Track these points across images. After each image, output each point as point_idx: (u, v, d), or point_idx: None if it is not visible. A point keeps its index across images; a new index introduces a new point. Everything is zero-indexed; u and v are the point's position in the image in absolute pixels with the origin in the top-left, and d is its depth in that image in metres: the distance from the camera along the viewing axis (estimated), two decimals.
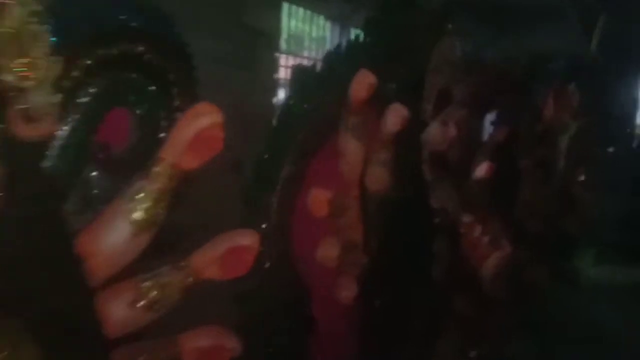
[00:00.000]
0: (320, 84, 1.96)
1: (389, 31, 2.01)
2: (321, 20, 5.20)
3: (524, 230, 2.81)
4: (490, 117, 2.89)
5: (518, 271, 2.73)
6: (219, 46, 3.00)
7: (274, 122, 1.93)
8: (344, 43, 2.01)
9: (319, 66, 2.00)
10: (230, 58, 3.09)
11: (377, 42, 2.00)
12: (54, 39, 0.88)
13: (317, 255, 1.84)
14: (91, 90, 1.07)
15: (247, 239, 1.22)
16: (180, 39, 1.22)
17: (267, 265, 1.80)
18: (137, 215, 1.06)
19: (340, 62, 1.97)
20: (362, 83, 1.71)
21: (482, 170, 2.70)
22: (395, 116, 1.74)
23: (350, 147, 1.82)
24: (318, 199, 1.81)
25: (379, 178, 1.84)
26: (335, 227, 1.90)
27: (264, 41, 3.42)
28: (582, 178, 3.58)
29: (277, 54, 4.15)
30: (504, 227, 2.74)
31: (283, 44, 4.63)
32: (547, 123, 3.39)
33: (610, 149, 4.68)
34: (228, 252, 1.19)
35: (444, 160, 2.13)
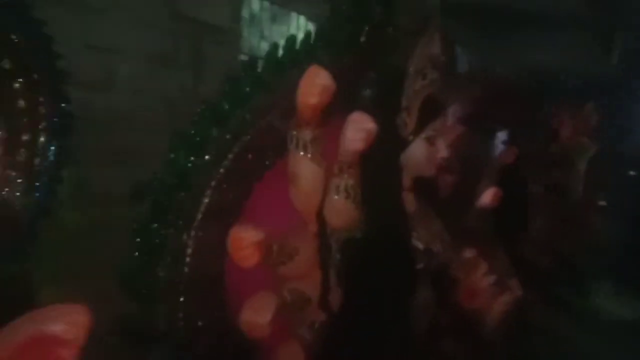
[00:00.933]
0: (266, 88, 1.59)
1: (357, 24, 1.65)
2: (291, 16, 4.40)
3: (534, 265, 2.44)
4: (495, 137, 2.53)
5: (526, 314, 2.36)
6: (151, 41, 2.59)
7: (195, 135, 1.51)
8: (301, 38, 1.64)
9: (264, 66, 1.62)
10: (167, 55, 2.70)
11: (341, 38, 1.63)
12: None
13: (241, 320, 1.44)
14: None
15: (60, 326, 0.75)
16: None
17: (200, 323, 1.43)
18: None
19: (293, 61, 1.59)
20: (312, 85, 1.35)
21: (487, 197, 2.34)
22: (355, 130, 1.36)
23: (304, 171, 1.46)
24: (239, 242, 1.39)
25: (341, 210, 1.48)
26: (273, 278, 1.52)
27: (213, 36, 2.95)
28: (601, 204, 3.20)
29: (231, 52, 3.27)
30: (512, 263, 2.38)
31: (242, 41, 3.64)
32: (563, 144, 3.02)
33: (632, 172, 4.27)
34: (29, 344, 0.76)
35: (431, 188, 1.76)
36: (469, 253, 2.27)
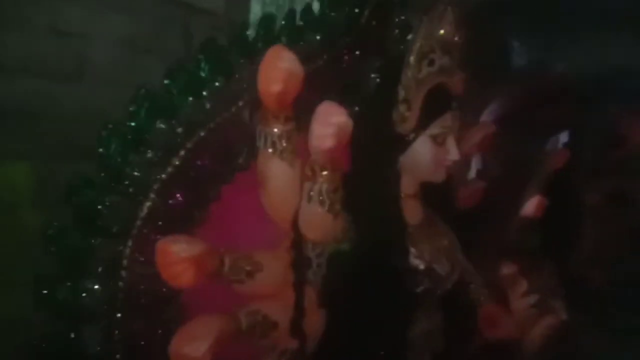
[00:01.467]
0: (229, 72, 1.34)
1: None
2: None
3: (587, 284, 2.15)
4: (544, 140, 2.25)
5: (574, 341, 2.08)
6: (129, 26, 2.17)
7: (133, 127, 1.26)
8: (284, 15, 1.40)
9: (228, 47, 1.37)
10: (149, 42, 2.35)
11: (336, 17, 1.39)
12: None
13: (170, 353, 1.18)
14: None
15: None
16: None
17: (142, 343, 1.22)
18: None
19: (268, 42, 1.34)
20: (274, 69, 1.13)
21: (531, 206, 2.07)
22: (321, 124, 1.11)
23: (273, 172, 1.26)
24: (166, 257, 1.15)
25: (315, 220, 1.24)
26: (236, 297, 1.30)
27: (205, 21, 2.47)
28: None
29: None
30: (557, 283, 2.10)
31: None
32: (629, 149, 2.68)
33: None
34: None
35: (443, 196, 1.51)
36: (507, 269, 2.03)
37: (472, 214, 1.99)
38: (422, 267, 1.38)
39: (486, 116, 2.08)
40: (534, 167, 2.11)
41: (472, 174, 2.13)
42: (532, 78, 2.48)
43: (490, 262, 2.00)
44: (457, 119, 1.37)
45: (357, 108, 1.39)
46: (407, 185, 1.42)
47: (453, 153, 1.37)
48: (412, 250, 1.38)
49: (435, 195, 1.49)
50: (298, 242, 1.27)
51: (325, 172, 1.18)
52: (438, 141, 1.35)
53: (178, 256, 1.11)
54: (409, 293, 1.35)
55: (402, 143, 1.35)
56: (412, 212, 1.44)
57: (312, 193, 1.19)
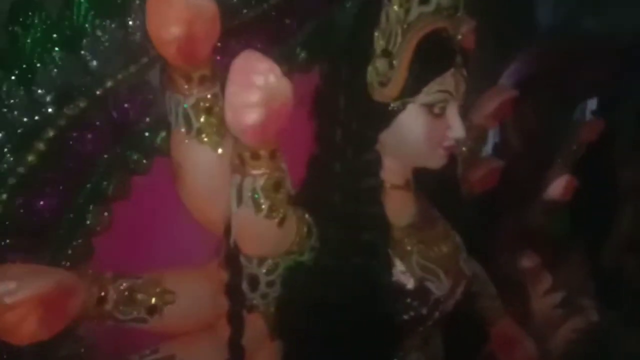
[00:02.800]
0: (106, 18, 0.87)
1: None
2: None
3: (618, 280, 1.84)
4: (573, 108, 1.92)
5: (607, 346, 1.78)
6: None
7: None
8: None
9: None
10: None
11: None
12: None
13: None
14: None
15: None
16: None
17: None
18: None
19: None
20: (167, 4, 0.72)
21: (558, 187, 1.76)
22: (241, 87, 0.73)
23: (191, 159, 0.88)
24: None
25: (255, 232, 0.88)
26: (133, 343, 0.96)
27: None
28: None
29: None
30: (587, 278, 1.80)
31: None
32: None
33: None
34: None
35: (444, 185, 1.17)
36: (528, 261, 1.72)
37: (488, 198, 1.69)
38: (410, 285, 1.03)
39: (505, 79, 1.75)
40: (562, 141, 1.78)
41: (488, 149, 1.81)
42: (562, 35, 2.15)
43: (509, 254, 1.70)
44: (463, 80, 1.01)
45: (317, 65, 1.07)
46: (393, 173, 1.06)
47: (456, 128, 1.00)
48: (398, 262, 1.04)
49: (435, 184, 1.15)
50: (234, 255, 0.91)
51: (258, 162, 0.81)
52: (435, 112, 0.99)
53: (2, 302, 0.72)
54: (393, 321, 1.01)
55: (383, 115, 0.99)
56: (400, 209, 1.08)
57: (243, 193, 0.83)
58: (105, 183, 0.90)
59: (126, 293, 0.88)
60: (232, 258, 0.91)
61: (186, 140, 0.87)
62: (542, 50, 1.86)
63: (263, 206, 0.83)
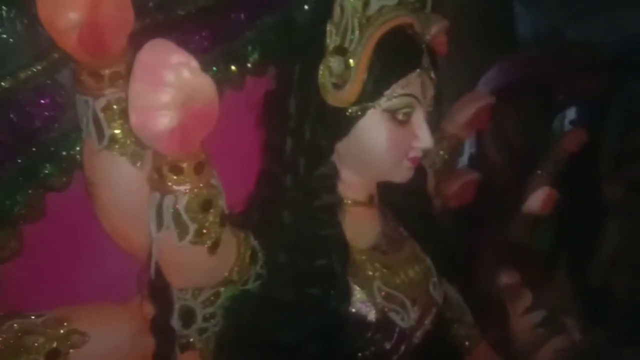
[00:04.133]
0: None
1: None
2: None
3: (604, 298, 1.75)
4: (555, 116, 1.84)
5: None
6: None
7: None
8: None
9: None
10: None
11: None
12: None
13: None
14: None
15: None
16: None
17: None
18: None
19: None
20: None
21: (537, 200, 1.68)
22: (147, 83, 0.60)
23: (107, 176, 0.76)
24: None
25: (180, 260, 0.75)
26: None
27: None
28: None
29: None
30: (570, 296, 1.71)
31: None
32: None
33: None
34: None
35: (412, 200, 1.05)
36: (507, 278, 1.63)
37: (465, 212, 1.60)
38: (372, 317, 0.91)
39: (482, 86, 1.67)
40: (542, 152, 1.70)
41: (464, 160, 1.74)
42: (544, 43, 2.08)
43: (487, 271, 1.61)
44: (431, 84, 0.91)
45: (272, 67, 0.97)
46: (353, 188, 0.95)
47: (423, 137, 0.90)
48: (358, 291, 0.91)
49: (403, 200, 1.04)
50: (160, 286, 0.78)
51: (180, 177, 0.68)
52: (398, 118, 0.88)
53: None
54: (352, 357, 0.91)
55: (339, 122, 0.88)
56: (362, 229, 0.96)
57: (163, 213, 0.70)
58: (8, 202, 0.77)
59: (21, 333, 0.76)
60: (158, 289, 0.79)
61: (98, 152, 0.74)
62: (524, 57, 1.78)
63: (189, 229, 0.70)
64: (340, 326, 0.87)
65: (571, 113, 1.98)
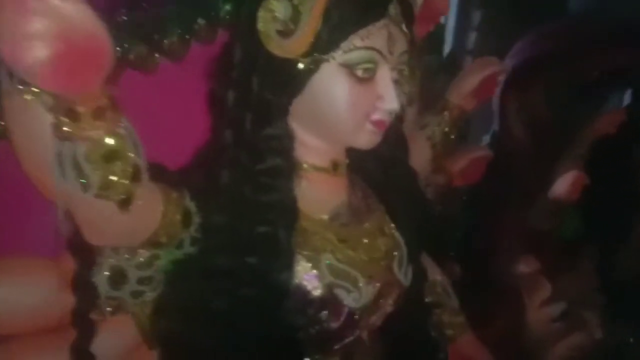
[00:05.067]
0: None
1: None
2: None
3: (629, 292, 1.62)
4: (589, 95, 1.69)
5: None
6: None
7: None
8: None
9: None
10: None
11: None
12: None
13: None
14: None
15: None
16: None
17: None
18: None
19: None
20: None
21: (565, 184, 1.56)
22: (11, 9, 0.51)
23: (25, 123, 0.65)
24: None
25: (91, 216, 0.68)
26: None
27: None
28: None
29: None
30: (595, 288, 1.59)
31: None
32: None
33: None
34: None
35: (387, 166, 0.94)
36: (526, 266, 1.52)
37: (483, 194, 1.49)
38: (316, 292, 0.81)
39: (509, 58, 1.54)
40: (574, 133, 1.57)
41: (487, 139, 1.62)
42: (584, 14, 1.92)
43: (504, 257, 1.50)
44: (402, 38, 0.80)
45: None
46: (313, 152, 0.85)
47: (388, 97, 0.79)
48: (304, 262, 0.81)
49: (379, 170, 0.93)
50: (78, 240, 0.71)
51: (76, 123, 0.60)
52: (357, 75, 0.77)
53: None
54: (294, 336, 0.81)
55: (289, 76, 0.78)
56: (319, 196, 0.86)
57: (63, 162, 0.62)
58: None
59: None
60: (75, 243, 0.72)
61: (10, 95, 0.64)
62: (554, 29, 1.63)
63: (92, 181, 0.63)
64: (279, 298, 0.78)
65: (628, 97, 1.84)
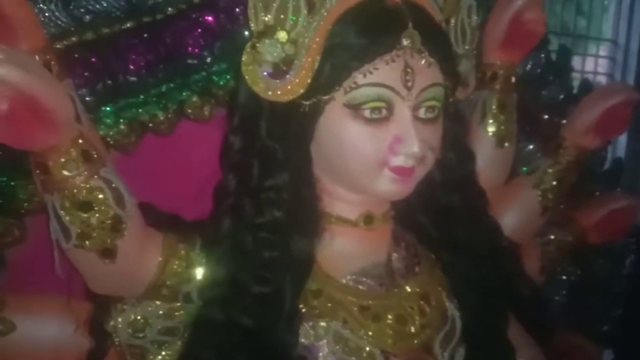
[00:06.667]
0: None
1: None
2: None
3: None
4: None
5: None
6: None
7: None
8: None
9: None
10: None
11: None
12: None
13: None
14: None
15: None
16: None
17: None
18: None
19: None
20: None
21: None
22: None
23: None
24: None
25: (80, 264, 0.72)
26: None
27: None
28: None
29: None
30: None
31: None
32: None
33: None
34: None
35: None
36: None
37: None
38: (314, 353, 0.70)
39: None
40: None
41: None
42: None
43: None
44: (426, 70, 0.68)
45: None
46: (339, 202, 0.76)
47: (408, 140, 0.67)
48: (307, 328, 0.71)
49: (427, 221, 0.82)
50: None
51: (47, 175, 0.66)
52: (364, 115, 0.68)
53: None
54: None
55: (294, 121, 0.70)
56: (341, 252, 0.75)
57: (49, 211, 0.68)
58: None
59: None
60: (88, 289, 0.75)
61: None
62: None
63: (70, 232, 0.67)
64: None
65: None
